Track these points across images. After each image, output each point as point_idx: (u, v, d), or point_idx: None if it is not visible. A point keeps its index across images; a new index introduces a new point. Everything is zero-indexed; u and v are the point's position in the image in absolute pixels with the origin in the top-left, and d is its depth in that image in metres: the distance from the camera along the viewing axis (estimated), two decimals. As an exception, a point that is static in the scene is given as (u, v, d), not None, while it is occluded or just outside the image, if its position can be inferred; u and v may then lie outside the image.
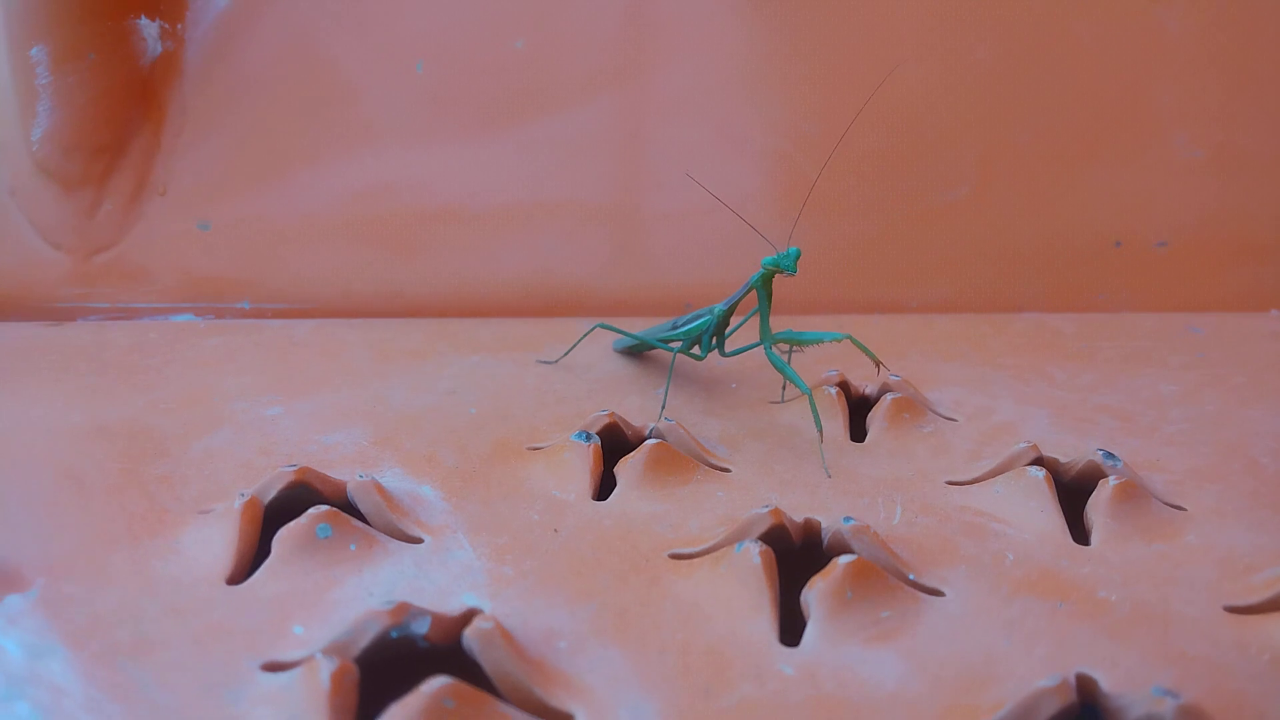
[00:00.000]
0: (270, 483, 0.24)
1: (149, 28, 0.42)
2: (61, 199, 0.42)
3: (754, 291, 0.32)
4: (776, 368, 0.30)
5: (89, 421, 0.29)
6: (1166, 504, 0.25)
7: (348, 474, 0.26)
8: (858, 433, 0.31)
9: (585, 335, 0.36)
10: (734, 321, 0.36)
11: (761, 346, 0.32)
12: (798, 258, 0.30)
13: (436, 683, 0.16)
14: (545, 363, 0.36)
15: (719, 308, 0.33)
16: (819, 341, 0.31)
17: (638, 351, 0.36)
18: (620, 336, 0.36)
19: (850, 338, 0.31)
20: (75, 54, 0.41)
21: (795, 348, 0.34)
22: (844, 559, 0.21)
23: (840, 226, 0.45)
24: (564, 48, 0.45)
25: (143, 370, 0.34)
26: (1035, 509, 0.25)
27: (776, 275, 0.31)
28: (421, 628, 0.18)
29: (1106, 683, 0.18)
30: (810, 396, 0.29)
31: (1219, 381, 0.35)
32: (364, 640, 0.18)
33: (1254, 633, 0.20)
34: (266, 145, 0.44)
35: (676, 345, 0.34)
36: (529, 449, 0.28)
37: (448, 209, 0.44)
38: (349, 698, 0.17)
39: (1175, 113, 0.48)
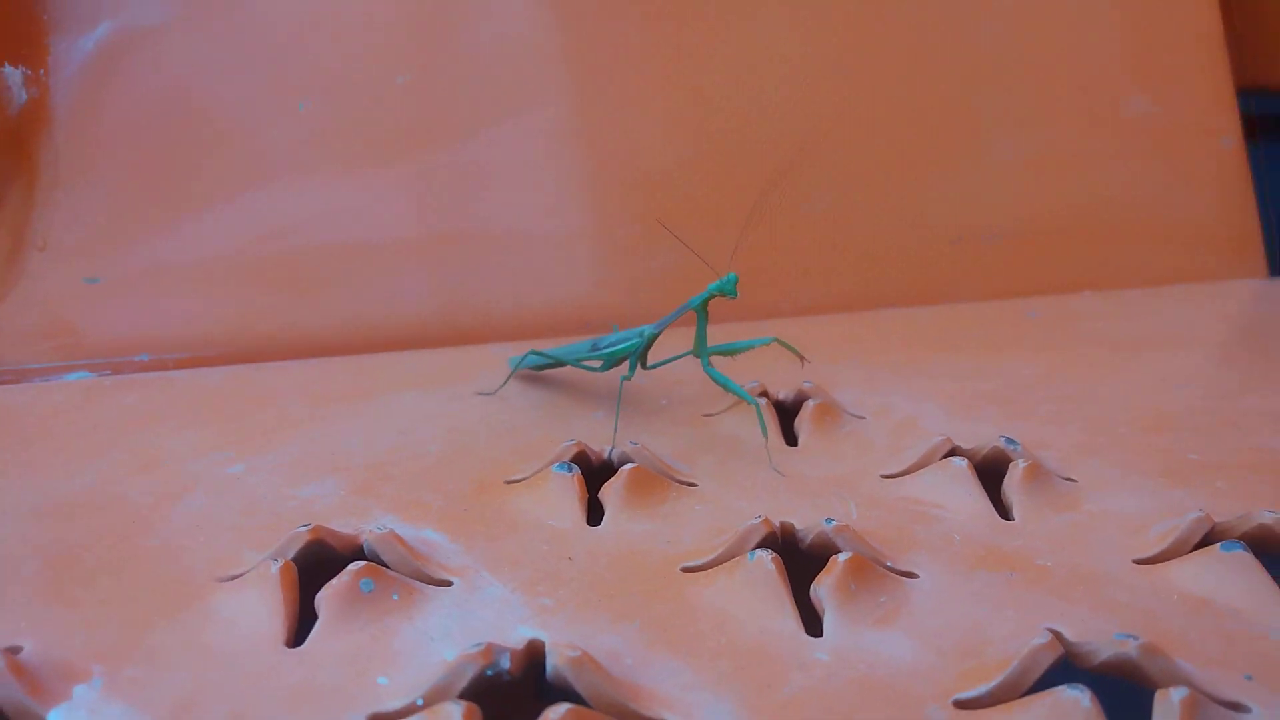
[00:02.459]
0: (288, 544, 0.25)
1: (13, 75, 0.41)
2: (-71, 259, 0.39)
3: (691, 312, 0.35)
4: (719, 383, 0.33)
5: (49, 498, 0.29)
6: (1062, 478, 0.30)
7: (346, 526, 0.27)
8: (788, 437, 0.34)
9: (521, 361, 0.37)
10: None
11: (691, 359, 0.35)
12: (736, 282, 0.33)
13: (562, 708, 0.18)
14: (484, 394, 0.37)
15: (649, 330, 0.35)
16: (750, 348, 0.34)
17: (539, 370, 0.38)
18: (520, 357, 0.38)
19: (777, 339, 0.34)
20: (-61, 106, 0.38)
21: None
22: (843, 556, 0.24)
23: (721, 239, 0.48)
24: (448, 82, 0.46)
25: (72, 436, 0.34)
26: (964, 494, 0.29)
27: (714, 298, 0.34)
28: (505, 663, 0.20)
29: (1070, 634, 0.22)
30: (757, 407, 0.32)
31: (1070, 363, 0.41)
32: (462, 682, 0.20)
33: (1161, 579, 0.25)
34: (148, 192, 0.43)
35: (597, 365, 0.36)
36: (506, 482, 0.30)
37: (344, 245, 0.44)
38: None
39: (995, 120, 0.55)
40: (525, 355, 0.37)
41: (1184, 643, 0.22)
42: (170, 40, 0.44)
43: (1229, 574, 0.24)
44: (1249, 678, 0.20)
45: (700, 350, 0.34)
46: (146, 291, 0.42)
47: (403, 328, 0.45)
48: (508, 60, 0.47)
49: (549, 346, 0.40)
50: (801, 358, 0.35)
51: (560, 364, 0.37)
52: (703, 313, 0.34)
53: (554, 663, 0.20)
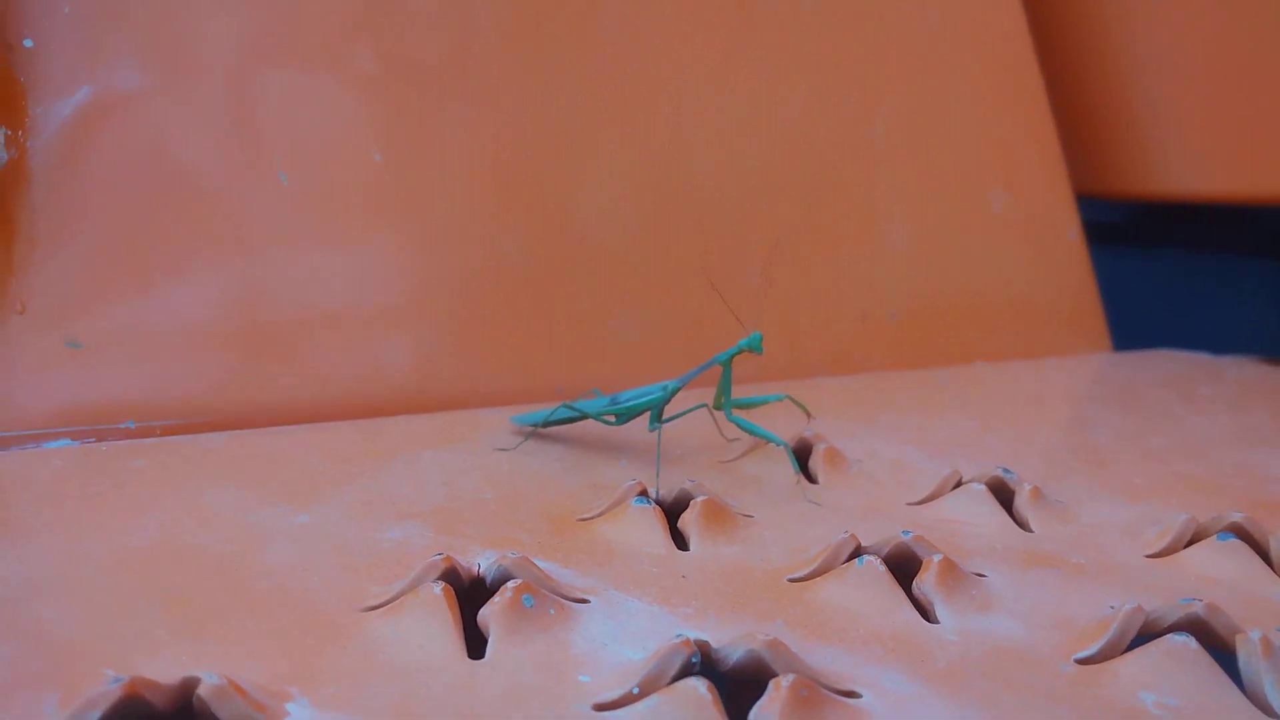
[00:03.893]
0: (425, 573, 0.26)
1: (-4, 135, 0.39)
2: (-101, 322, 0.37)
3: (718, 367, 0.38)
4: (745, 429, 0.36)
5: (119, 550, 0.28)
6: (1054, 499, 0.35)
7: (461, 560, 0.28)
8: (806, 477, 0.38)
9: (552, 414, 0.39)
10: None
11: (708, 411, 0.38)
12: (761, 340, 0.36)
13: (790, 676, 0.20)
14: (504, 450, 0.39)
15: (672, 385, 0.38)
16: (765, 403, 0.38)
17: (546, 426, 0.40)
18: (524, 413, 0.40)
19: (789, 397, 0.38)
20: (-74, 162, 0.37)
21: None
22: (936, 557, 0.27)
23: (663, 305, 0.52)
24: (419, 161, 0.48)
25: (97, 497, 0.32)
26: (987, 512, 0.33)
27: (740, 355, 0.37)
28: (695, 656, 0.22)
29: (1144, 605, 0.26)
30: (787, 448, 0.35)
31: (1000, 418, 0.46)
32: (672, 670, 0.22)
33: (1176, 567, 0.30)
34: (129, 255, 0.42)
35: (612, 420, 0.39)
36: (579, 520, 0.32)
37: (324, 312, 0.45)
38: (719, 706, 0.20)
39: (888, 211, 0.62)
40: (555, 408, 0.39)
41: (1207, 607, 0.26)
42: (150, 106, 0.43)
43: (1229, 558, 0.29)
44: (1281, 629, 0.25)
45: (724, 403, 0.37)
46: (130, 356, 0.41)
47: (386, 395, 0.45)
48: (482, 132, 0.49)
49: (524, 412, 0.42)
50: (808, 413, 0.39)
51: (584, 417, 0.39)
52: (728, 368, 0.37)
53: (750, 647, 0.22)
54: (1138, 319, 0.78)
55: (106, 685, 0.19)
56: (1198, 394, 0.54)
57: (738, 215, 0.56)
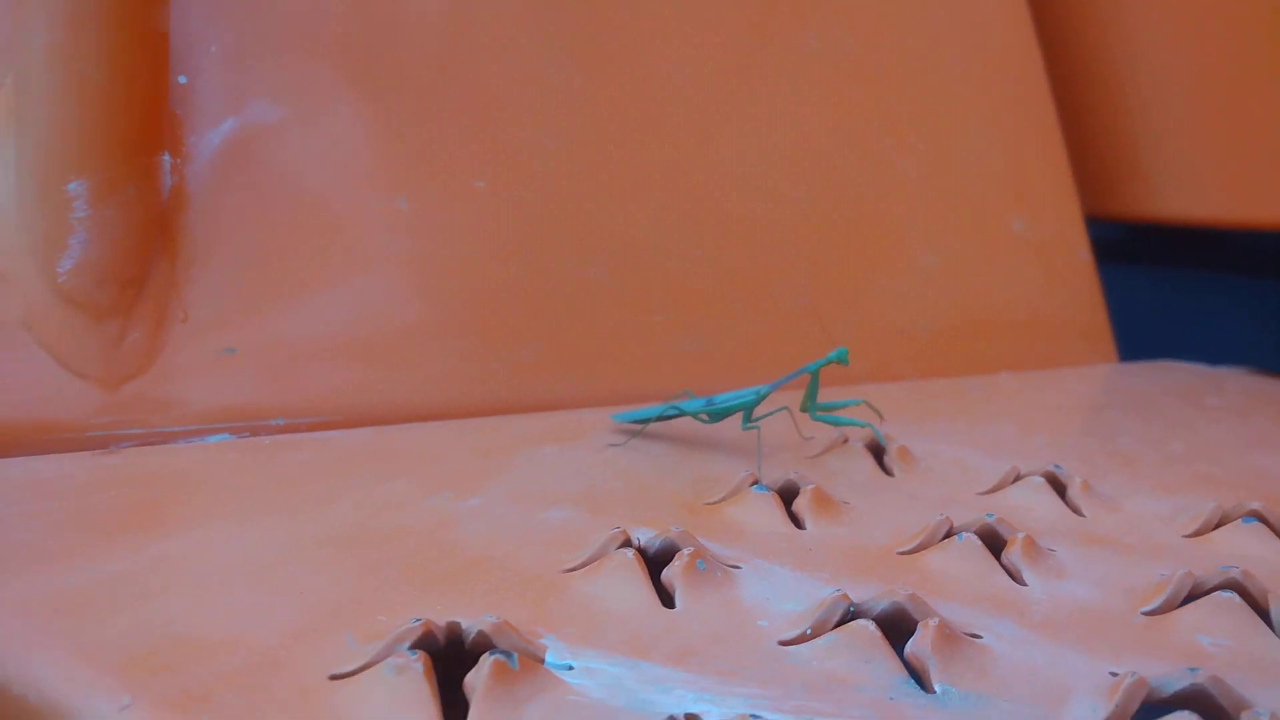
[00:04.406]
0: (609, 542, 0.31)
1: (164, 162, 0.44)
2: (88, 330, 0.42)
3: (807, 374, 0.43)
4: (834, 423, 0.42)
5: (327, 531, 0.33)
6: (1099, 492, 0.41)
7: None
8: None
9: (662, 411, 0.44)
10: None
11: (788, 413, 0.44)
12: (846, 354, 0.42)
13: (934, 620, 0.26)
14: (616, 446, 0.44)
15: (764, 389, 0.44)
16: (846, 406, 0.44)
17: (643, 424, 0.46)
18: (622, 411, 0.46)
19: (865, 401, 0.44)
20: (115, 188, 0.42)
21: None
22: (1020, 535, 0.33)
23: (725, 326, 0.58)
24: (519, 190, 0.54)
25: (280, 486, 0.37)
26: (1046, 501, 0.39)
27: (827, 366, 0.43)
28: (851, 606, 0.28)
29: (1192, 572, 0.32)
30: (873, 427, 0.41)
31: (1034, 422, 0.52)
32: (836, 616, 0.27)
33: (1208, 544, 0.35)
34: (274, 271, 0.47)
35: (706, 419, 0.45)
36: (705, 504, 0.37)
37: (437, 323, 0.50)
38: (885, 642, 0.26)
39: (918, 237, 0.68)
40: (660, 407, 0.45)
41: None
42: (287, 136, 0.49)
43: (1252, 536, 0.35)
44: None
45: (811, 405, 0.43)
46: (277, 361, 0.46)
47: (486, 397, 0.50)
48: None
49: (623, 411, 0.48)
50: (880, 415, 0.45)
51: (683, 415, 0.45)
52: (815, 376, 0.43)
53: (894, 599, 0.28)
54: (1141, 331, 0.84)
55: (410, 623, 0.25)
56: (1206, 404, 0.60)
57: (788, 247, 0.62)
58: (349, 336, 0.48)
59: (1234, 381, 0.70)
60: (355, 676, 0.23)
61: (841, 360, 0.42)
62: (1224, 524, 0.37)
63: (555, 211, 0.54)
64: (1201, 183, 0.81)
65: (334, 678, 0.24)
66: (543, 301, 0.53)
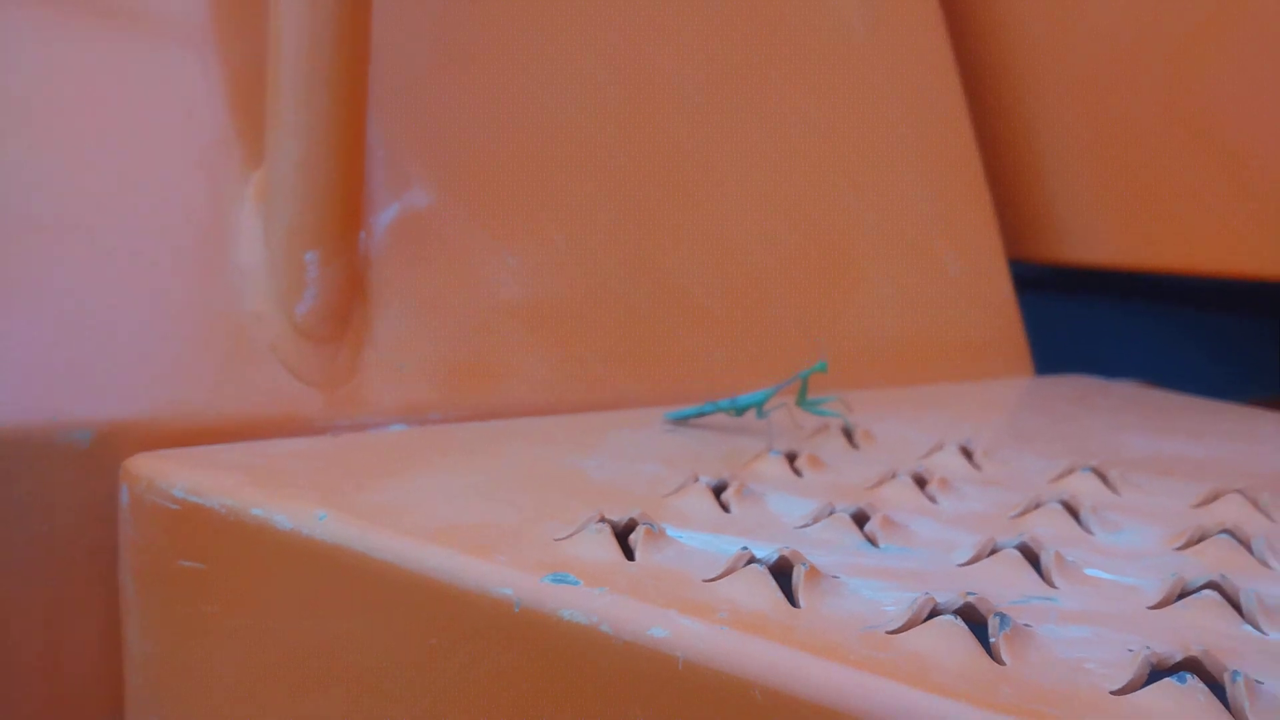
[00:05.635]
0: (687, 480, 0.51)
1: (364, 237, 0.64)
2: (314, 353, 0.62)
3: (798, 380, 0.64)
4: (820, 414, 0.63)
5: (530, 471, 0.53)
6: (995, 455, 0.62)
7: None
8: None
9: (716, 406, 0.65)
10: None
11: (787, 408, 0.64)
12: (826, 365, 0.63)
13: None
14: (671, 432, 0.64)
15: (771, 390, 0.64)
16: (823, 403, 0.64)
17: (688, 419, 0.66)
18: (677, 409, 0.66)
19: (840, 398, 0.65)
20: (336, 256, 0.62)
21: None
22: (938, 475, 0.54)
23: (736, 341, 0.78)
24: (642, 238, 0.74)
25: (463, 454, 0.57)
26: (959, 461, 0.60)
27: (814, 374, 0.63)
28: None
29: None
30: (844, 416, 0.62)
31: (965, 414, 0.73)
32: (824, 516, 0.48)
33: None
34: (430, 318, 0.67)
35: (734, 414, 0.65)
36: (740, 465, 0.58)
37: (537, 341, 0.70)
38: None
39: (873, 268, 0.89)
40: (703, 406, 0.65)
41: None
42: (435, 214, 0.69)
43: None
44: None
45: (803, 402, 0.64)
46: (435, 374, 0.66)
47: (572, 397, 0.70)
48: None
49: (674, 409, 0.68)
50: (850, 409, 0.66)
51: (719, 411, 0.65)
52: (805, 381, 0.64)
53: (859, 505, 0.48)
54: (1056, 351, 1.06)
55: (594, 513, 0.45)
56: (1094, 404, 0.81)
57: (784, 279, 0.83)
58: (480, 356, 0.68)
59: (1122, 390, 0.92)
60: (570, 538, 0.43)
61: (823, 370, 0.63)
62: (1072, 472, 0.58)
63: (614, 256, 0.75)
64: (1100, 233, 1.02)
65: (557, 540, 0.44)
66: (610, 326, 0.73)
